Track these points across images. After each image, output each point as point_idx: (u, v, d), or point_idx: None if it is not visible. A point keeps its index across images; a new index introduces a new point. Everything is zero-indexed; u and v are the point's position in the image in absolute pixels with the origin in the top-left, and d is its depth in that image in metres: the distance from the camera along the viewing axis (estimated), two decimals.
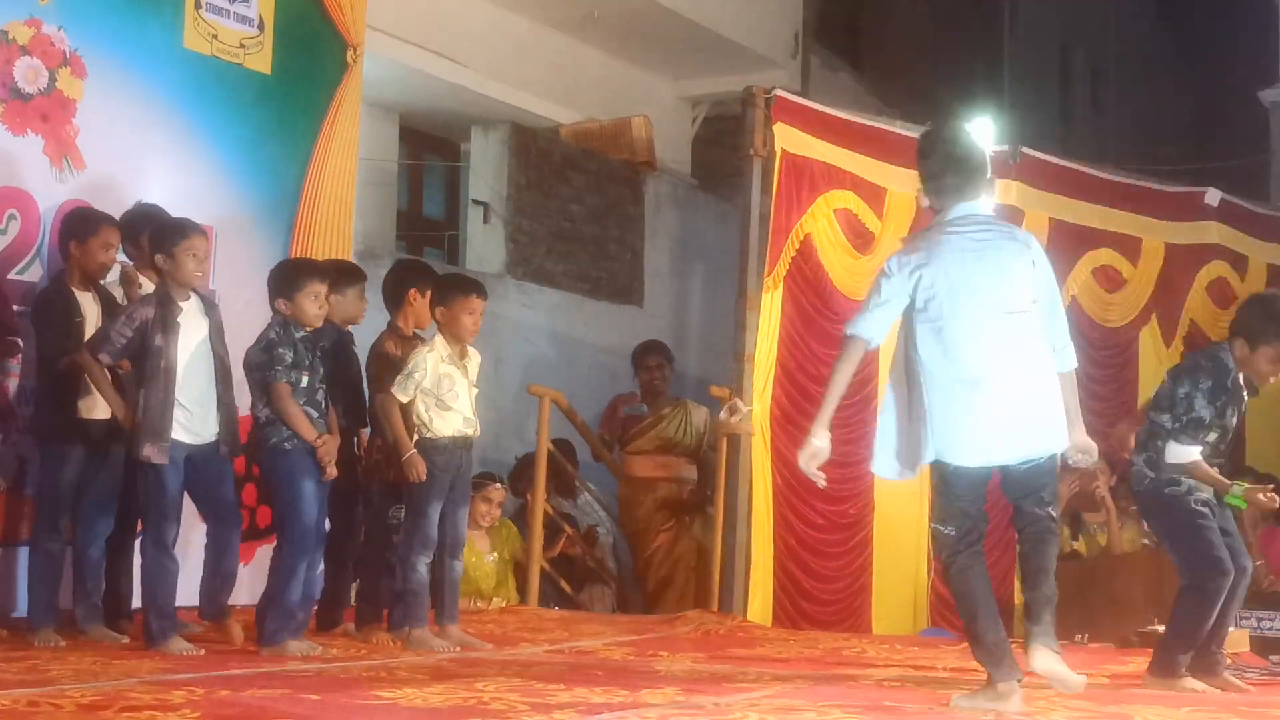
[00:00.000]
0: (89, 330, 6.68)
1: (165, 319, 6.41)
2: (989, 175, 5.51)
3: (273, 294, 6.61)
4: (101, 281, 6.89)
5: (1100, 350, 11.05)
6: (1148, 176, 12.00)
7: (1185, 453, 6.06)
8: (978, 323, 5.23)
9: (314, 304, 6.55)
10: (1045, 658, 5.20)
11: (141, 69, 7.75)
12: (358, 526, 7.24)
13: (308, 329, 6.55)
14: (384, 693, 5.05)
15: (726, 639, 7.81)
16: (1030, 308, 5.31)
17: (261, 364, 6.49)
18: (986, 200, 5.50)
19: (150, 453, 6.34)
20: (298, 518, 6.47)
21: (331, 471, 6.55)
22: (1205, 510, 6.07)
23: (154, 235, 6.62)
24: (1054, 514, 5.40)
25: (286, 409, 6.45)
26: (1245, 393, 6.16)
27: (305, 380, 6.51)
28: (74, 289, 6.76)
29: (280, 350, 6.46)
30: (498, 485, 9.03)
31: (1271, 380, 6.15)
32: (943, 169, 5.43)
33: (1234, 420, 6.17)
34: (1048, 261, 5.46)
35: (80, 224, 6.88)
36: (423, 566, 6.88)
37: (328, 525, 6.86)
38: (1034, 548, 5.37)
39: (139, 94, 7.75)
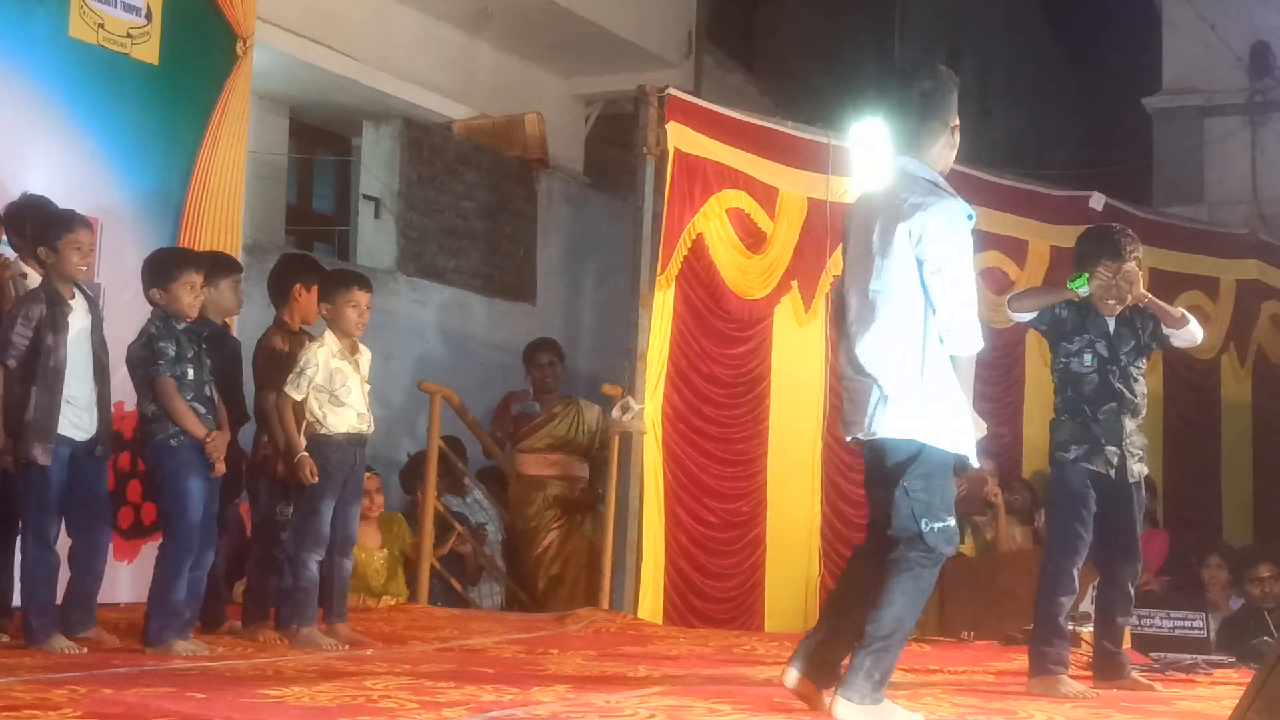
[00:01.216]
0: None
1: (55, 318, 6.28)
2: (935, 124, 4.97)
3: (147, 284, 6.49)
4: None
5: (990, 351, 11.15)
6: (1034, 180, 12.16)
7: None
8: (851, 295, 5.00)
9: (189, 294, 6.44)
10: (845, 711, 4.56)
11: (25, 57, 7.59)
12: (231, 522, 7.17)
13: (186, 320, 6.46)
14: (271, 691, 4.99)
15: (617, 637, 7.81)
16: (895, 286, 4.82)
17: (144, 359, 6.38)
18: (941, 155, 4.98)
19: (38, 453, 6.22)
20: (183, 515, 6.37)
21: (220, 468, 6.47)
22: (1081, 491, 5.96)
23: (36, 227, 6.48)
24: (915, 534, 4.68)
25: (172, 405, 6.36)
26: (1106, 322, 6.15)
27: (191, 374, 6.42)
28: None
29: (162, 344, 6.36)
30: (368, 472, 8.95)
31: (1114, 300, 6.12)
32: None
33: (1106, 352, 6.12)
34: (944, 237, 4.79)
35: None
36: (314, 564, 6.83)
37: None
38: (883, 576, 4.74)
39: (22, 82, 7.59)
